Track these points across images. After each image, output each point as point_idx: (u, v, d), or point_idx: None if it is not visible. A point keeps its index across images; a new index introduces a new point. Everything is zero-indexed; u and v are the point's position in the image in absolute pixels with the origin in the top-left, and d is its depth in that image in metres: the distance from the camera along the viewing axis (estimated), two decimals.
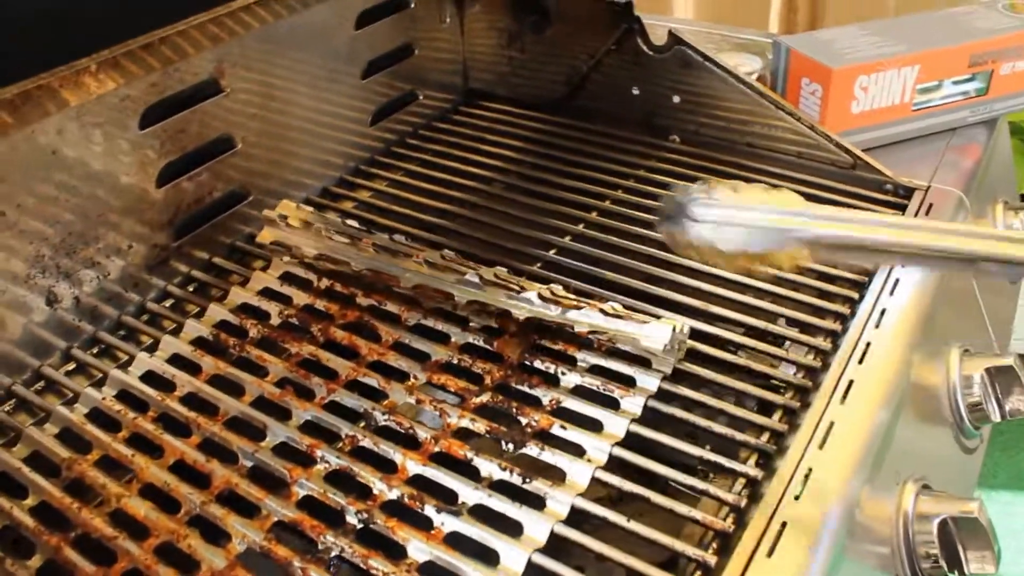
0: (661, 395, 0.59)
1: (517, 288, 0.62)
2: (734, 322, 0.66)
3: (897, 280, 0.67)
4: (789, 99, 0.85)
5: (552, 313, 0.61)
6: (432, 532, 0.50)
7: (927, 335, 0.66)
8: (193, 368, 0.62)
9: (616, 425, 0.56)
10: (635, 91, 0.88)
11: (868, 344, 0.61)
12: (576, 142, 0.88)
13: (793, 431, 0.56)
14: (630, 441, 0.56)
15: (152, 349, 0.65)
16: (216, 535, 0.50)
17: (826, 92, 0.80)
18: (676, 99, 0.86)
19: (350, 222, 0.71)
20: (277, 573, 0.48)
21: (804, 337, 0.64)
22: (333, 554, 0.49)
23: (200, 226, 0.73)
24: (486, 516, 0.51)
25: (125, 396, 0.61)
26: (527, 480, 0.52)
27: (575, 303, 0.61)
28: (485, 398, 0.58)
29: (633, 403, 0.58)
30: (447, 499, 0.52)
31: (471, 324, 0.64)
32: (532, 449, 0.55)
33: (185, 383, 0.61)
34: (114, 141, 0.65)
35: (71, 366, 0.65)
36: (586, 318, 0.60)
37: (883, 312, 0.64)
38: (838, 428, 0.55)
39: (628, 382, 0.59)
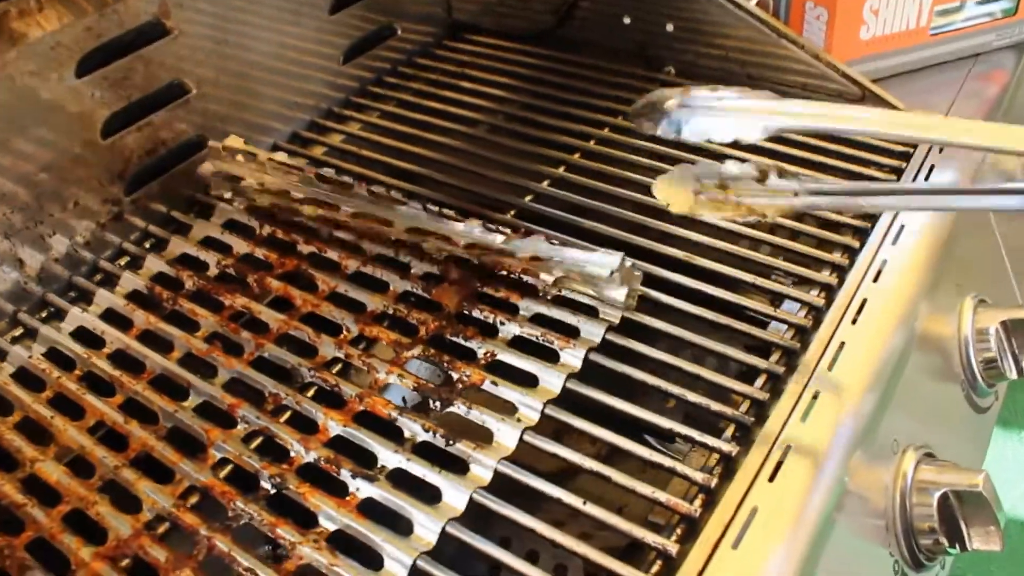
0: (607, 348, 0.54)
1: (461, 219, 0.58)
2: (721, 276, 0.60)
3: (902, 227, 0.62)
4: (793, 25, 0.78)
5: (497, 241, 0.57)
6: (346, 499, 0.48)
7: (935, 286, 0.60)
8: (124, 323, 0.60)
9: (552, 381, 0.52)
10: (626, 20, 0.81)
11: (864, 300, 0.56)
12: (564, 76, 0.82)
13: (776, 399, 0.51)
14: (567, 399, 0.52)
15: (86, 304, 0.62)
16: (128, 502, 0.49)
17: (832, 16, 0.73)
18: (670, 27, 0.79)
19: (297, 159, 0.67)
20: (185, 542, 0.46)
21: (796, 292, 0.58)
22: (242, 522, 0.46)
23: (155, 178, 0.69)
24: (405, 481, 0.48)
25: (53, 354, 0.59)
26: (451, 442, 0.49)
27: (521, 232, 0.57)
28: (416, 351, 0.55)
29: (573, 356, 0.54)
30: (365, 462, 0.49)
31: (412, 271, 0.61)
32: (460, 407, 0.51)
33: (114, 340, 0.59)
34: (49, 92, 0.60)
35: (18, 331, 0.62)
36: (531, 245, 0.55)
37: (884, 263, 0.59)
38: (825, 397, 0.50)
39: (571, 332, 0.55)
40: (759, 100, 0.49)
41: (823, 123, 0.48)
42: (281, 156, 0.66)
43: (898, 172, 0.67)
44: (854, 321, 0.54)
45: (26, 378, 0.57)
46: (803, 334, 0.56)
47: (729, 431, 0.51)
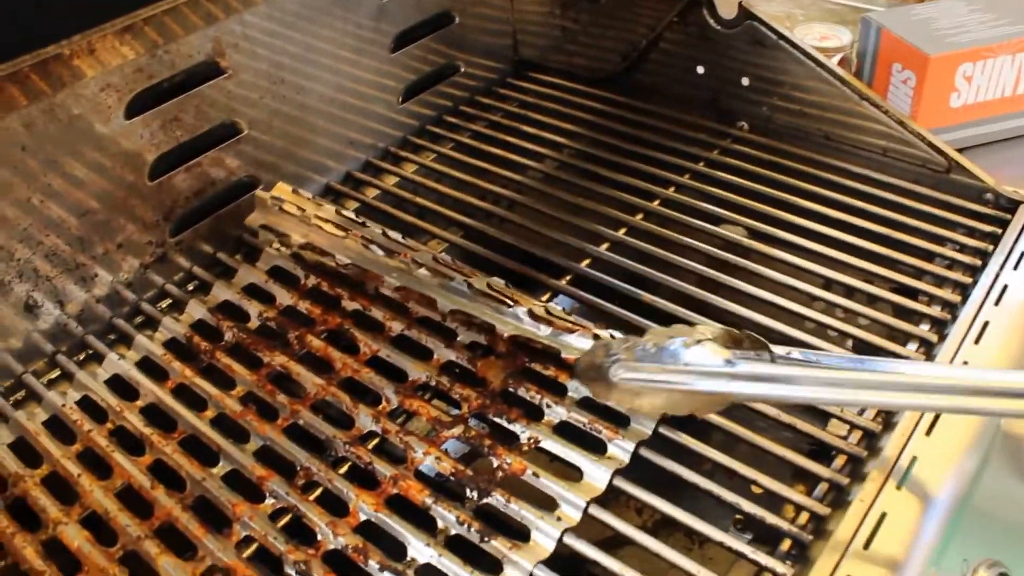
0: (657, 442, 0.51)
1: (509, 302, 0.55)
2: None
3: (986, 324, 0.57)
4: (878, 86, 0.73)
5: (541, 333, 0.54)
6: None
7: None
8: (159, 374, 0.59)
9: (597, 475, 0.49)
10: (700, 70, 0.77)
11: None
12: (630, 125, 0.79)
13: (838, 514, 0.47)
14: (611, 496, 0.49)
15: (125, 348, 0.61)
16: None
17: (920, 82, 0.68)
18: (745, 81, 0.75)
19: (347, 213, 0.65)
20: None
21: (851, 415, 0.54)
22: None
23: (203, 219, 0.67)
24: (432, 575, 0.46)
25: (86, 403, 0.58)
26: (485, 539, 0.46)
27: (569, 325, 0.53)
28: (457, 431, 0.52)
29: (622, 448, 0.50)
30: (395, 553, 0.47)
31: (458, 339, 0.58)
32: (498, 499, 0.48)
33: (148, 392, 0.57)
34: (97, 133, 0.59)
35: (55, 373, 0.60)
36: (578, 343, 0.52)
37: (965, 363, 0.54)
38: (893, 519, 0.46)
39: (621, 421, 0.52)
40: (706, 376, 0.48)
41: (785, 392, 0.47)
42: (329, 210, 0.64)
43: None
44: (928, 432, 0.50)
45: (58, 428, 0.56)
46: (871, 439, 0.52)
47: (785, 546, 0.47)
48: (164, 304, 0.65)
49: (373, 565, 0.46)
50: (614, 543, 0.48)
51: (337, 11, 0.71)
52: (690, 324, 0.58)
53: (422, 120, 0.82)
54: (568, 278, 0.63)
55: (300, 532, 0.48)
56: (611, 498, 0.50)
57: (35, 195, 0.57)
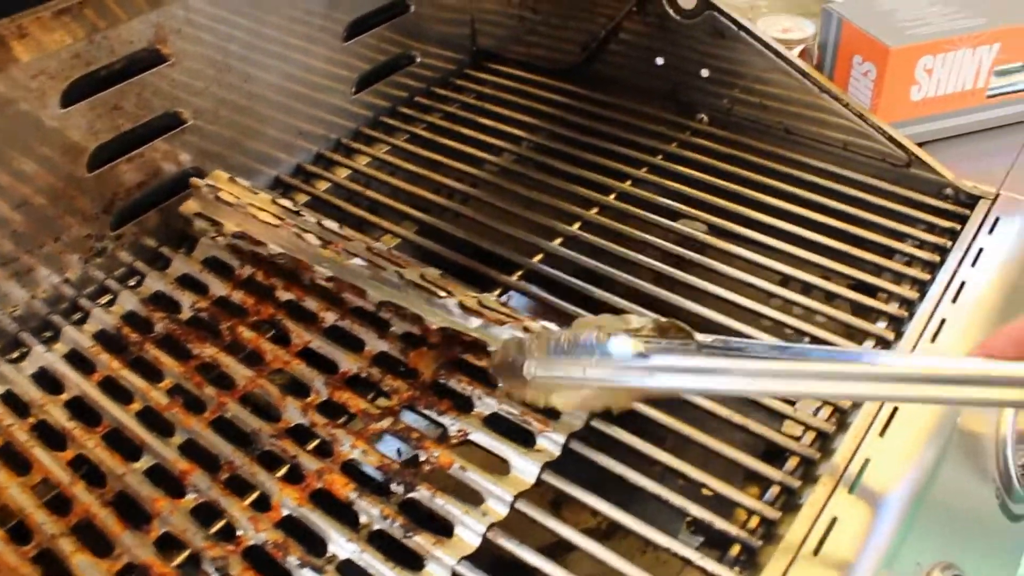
0: (589, 435, 0.50)
1: (441, 293, 0.54)
2: None
3: (943, 321, 0.56)
4: (838, 79, 0.72)
5: (471, 325, 0.53)
6: None
7: None
8: (87, 367, 0.57)
9: (526, 468, 0.48)
10: (659, 61, 0.76)
11: (895, 408, 0.50)
12: (589, 117, 0.77)
13: (788, 518, 0.46)
14: (540, 491, 0.48)
15: (51, 341, 0.59)
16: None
17: (881, 74, 0.67)
18: (705, 72, 0.74)
19: (283, 202, 0.63)
20: None
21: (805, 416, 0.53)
22: None
23: (145, 212, 0.65)
24: (355, 575, 0.45)
25: (9, 398, 0.56)
26: (408, 534, 0.45)
27: (499, 317, 0.52)
28: (385, 424, 0.51)
29: (552, 441, 0.49)
30: (316, 549, 0.45)
31: (391, 329, 0.57)
32: (423, 493, 0.47)
33: (73, 385, 0.56)
34: (31, 121, 0.56)
35: None
36: (508, 336, 0.51)
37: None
38: (844, 523, 0.45)
39: (552, 413, 0.50)
40: (620, 370, 0.46)
41: (705, 384, 0.46)
42: (264, 199, 0.62)
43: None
44: (882, 432, 0.49)
45: None
46: (824, 441, 0.50)
47: (734, 551, 0.46)
48: (103, 300, 0.63)
49: (292, 561, 0.45)
50: (565, 547, 0.47)
51: None
52: (619, 313, 0.57)
53: (376, 111, 0.80)
54: (519, 273, 0.62)
55: (220, 528, 0.47)
56: (565, 500, 0.48)
57: None
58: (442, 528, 0.46)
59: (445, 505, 0.47)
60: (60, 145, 0.58)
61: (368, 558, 0.45)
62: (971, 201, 0.65)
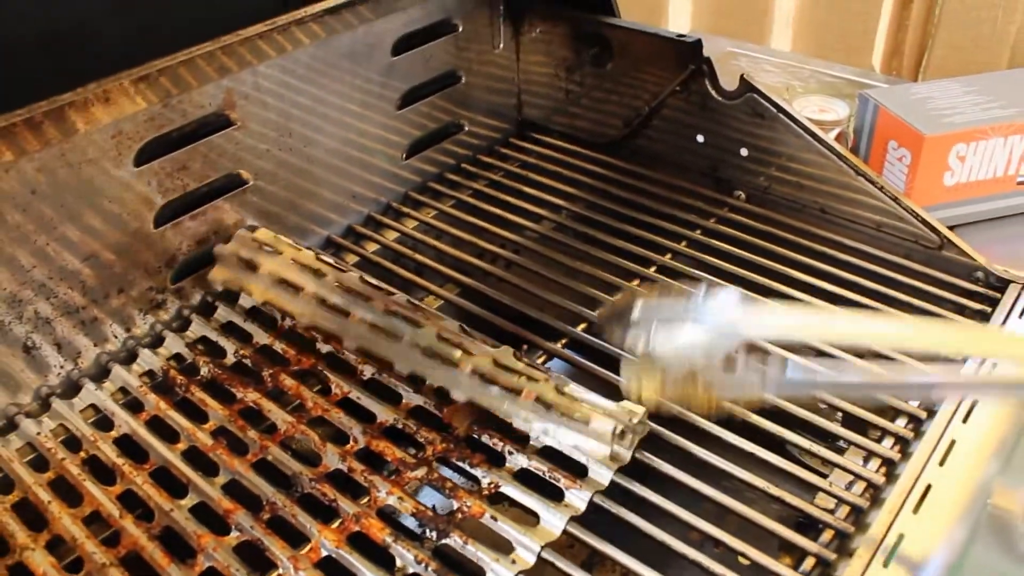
0: (627, 498, 0.52)
1: (457, 357, 0.57)
2: (767, 434, 0.57)
3: (974, 402, 0.57)
4: (873, 162, 0.75)
5: (491, 394, 0.55)
6: None
7: (1010, 460, 0.56)
8: (135, 406, 0.60)
9: (553, 521, 0.50)
10: (700, 139, 0.79)
11: (928, 486, 0.52)
12: (630, 190, 0.80)
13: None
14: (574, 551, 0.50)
15: (100, 379, 0.62)
16: None
17: (915, 160, 0.70)
18: (744, 151, 0.76)
19: (325, 258, 0.65)
20: None
21: (851, 463, 0.54)
22: None
23: (203, 267, 0.68)
24: None
25: (62, 432, 0.58)
26: None
27: (514, 383, 0.54)
28: (420, 473, 0.53)
29: (578, 497, 0.51)
30: None
31: (427, 383, 0.59)
32: (456, 540, 0.49)
33: (123, 423, 0.58)
34: (106, 179, 0.60)
35: (33, 405, 0.60)
36: (528, 410, 0.54)
37: (952, 444, 0.55)
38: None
39: (579, 471, 0.52)
40: (727, 311, 0.48)
41: (805, 333, 0.48)
42: (308, 255, 0.65)
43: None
44: (916, 509, 0.51)
45: (32, 455, 0.57)
46: (859, 515, 0.52)
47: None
48: (159, 349, 0.65)
49: None
50: None
51: (347, 66, 0.72)
52: None
53: (424, 176, 0.83)
54: (563, 341, 0.64)
55: (262, 565, 0.49)
56: (598, 560, 0.50)
57: (42, 238, 0.57)
58: (473, 575, 0.48)
59: (476, 552, 0.48)
60: (131, 202, 0.61)
61: None
62: (1002, 285, 0.67)
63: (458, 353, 0.57)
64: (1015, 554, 0.59)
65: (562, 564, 0.49)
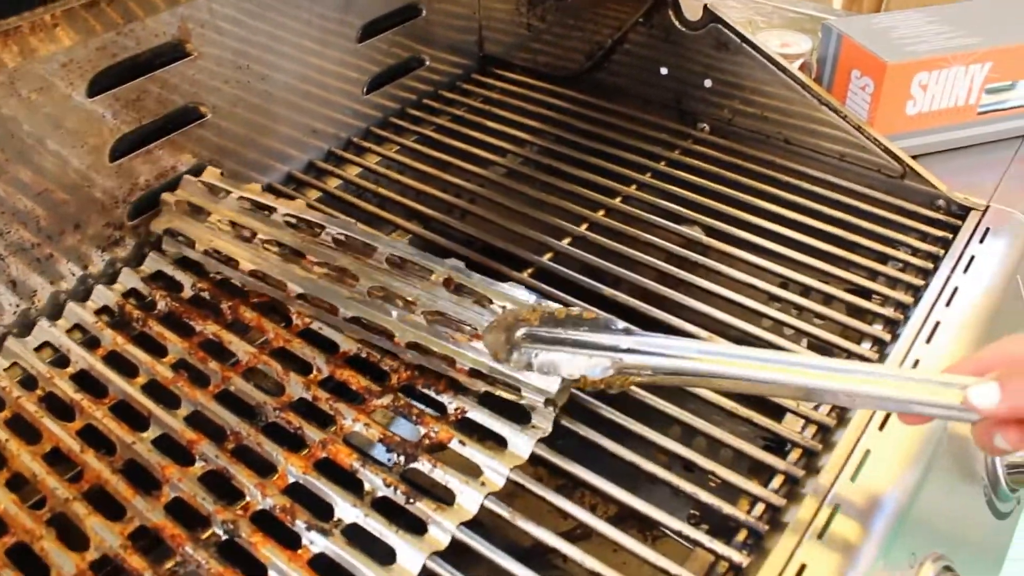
0: (598, 421, 0.52)
1: (409, 300, 0.56)
2: None
3: (937, 323, 0.58)
4: (836, 92, 0.75)
5: (437, 341, 0.54)
6: (298, 552, 0.45)
7: None
8: (92, 342, 0.59)
9: (520, 444, 0.50)
10: (663, 70, 0.78)
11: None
12: (593, 124, 0.79)
13: (793, 505, 0.48)
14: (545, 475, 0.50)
15: (55, 316, 0.61)
16: (76, 538, 0.47)
17: (878, 88, 0.70)
18: (708, 83, 0.76)
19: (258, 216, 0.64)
20: None
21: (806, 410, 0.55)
22: (189, 568, 0.45)
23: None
24: (360, 538, 0.46)
25: (15, 370, 0.57)
26: (411, 500, 0.47)
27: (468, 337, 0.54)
28: (386, 400, 0.53)
29: (544, 418, 0.51)
30: (322, 514, 0.47)
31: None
32: (424, 464, 0.49)
33: (79, 359, 0.57)
34: (57, 110, 0.58)
35: None
36: (473, 355, 0.53)
37: (917, 362, 0.56)
38: (846, 511, 0.47)
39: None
40: (607, 335, 0.51)
41: (683, 364, 0.48)
42: (244, 203, 0.64)
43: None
44: (882, 427, 0.51)
45: None
46: (826, 433, 0.52)
47: (741, 536, 0.48)
48: (114, 285, 0.64)
49: (300, 524, 0.46)
50: (570, 537, 0.48)
51: (304, 1, 0.71)
52: (653, 321, 0.59)
53: (386, 112, 0.82)
54: (530, 271, 0.64)
55: (229, 493, 0.49)
56: (568, 489, 0.50)
57: None
58: (442, 498, 0.48)
59: (445, 475, 0.48)
60: (85, 134, 0.60)
61: (372, 523, 0.46)
62: (962, 212, 0.68)
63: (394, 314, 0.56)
64: (974, 475, 0.60)
65: (534, 487, 0.49)
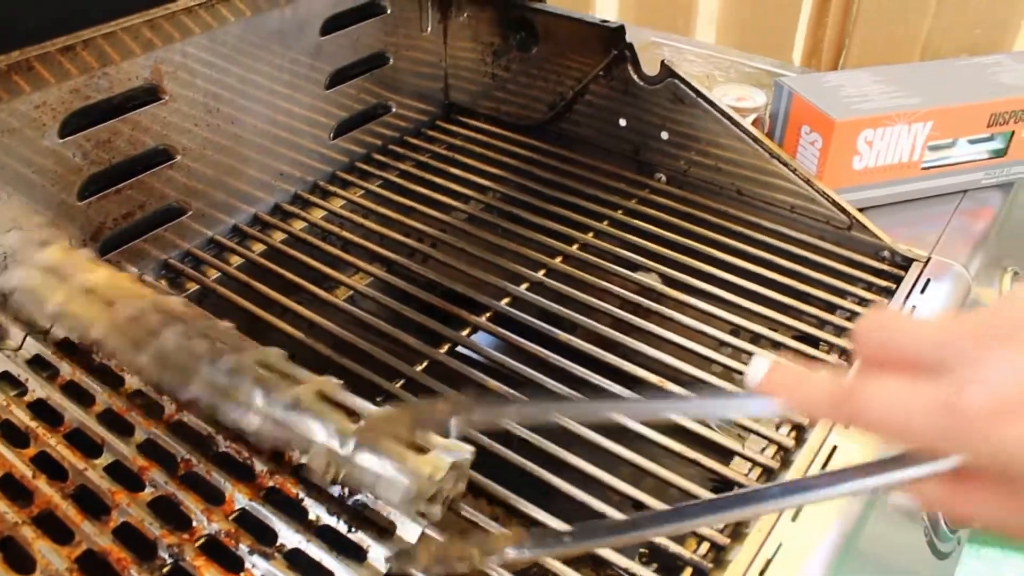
0: (545, 459, 0.53)
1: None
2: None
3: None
4: (787, 146, 0.78)
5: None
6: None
7: None
8: (50, 371, 0.59)
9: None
10: (622, 122, 0.81)
11: (835, 447, 0.55)
12: (554, 172, 0.82)
13: (737, 544, 0.49)
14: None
15: (15, 348, 0.61)
16: (22, 562, 0.47)
17: (826, 144, 0.73)
18: (665, 135, 0.79)
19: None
20: None
21: (766, 429, 0.57)
22: None
23: (129, 241, 0.68)
24: (302, 563, 0.47)
25: None
26: (352, 529, 0.48)
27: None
28: None
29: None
30: (267, 540, 0.48)
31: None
32: (368, 497, 0.49)
33: (36, 387, 0.57)
34: (29, 150, 0.59)
35: None
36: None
37: None
38: (786, 548, 0.49)
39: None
40: None
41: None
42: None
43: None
44: (823, 467, 0.53)
45: None
46: (770, 476, 0.54)
47: (686, 574, 0.49)
48: None
49: (244, 548, 0.47)
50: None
51: (275, 46, 0.73)
52: (609, 367, 0.61)
53: (352, 157, 0.84)
54: (488, 315, 0.66)
55: (176, 519, 0.49)
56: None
57: None
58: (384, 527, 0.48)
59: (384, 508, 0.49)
60: (56, 173, 0.61)
61: (313, 548, 0.47)
62: (905, 263, 0.71)
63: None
64: (914, 517, 0.63)
65: (493, 530, 0.50)
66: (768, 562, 0.48)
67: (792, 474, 0.53)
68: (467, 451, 0.47)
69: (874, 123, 0.72)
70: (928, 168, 0.76)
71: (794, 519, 0.50)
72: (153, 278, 0.68)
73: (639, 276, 0.70)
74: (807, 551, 0.49)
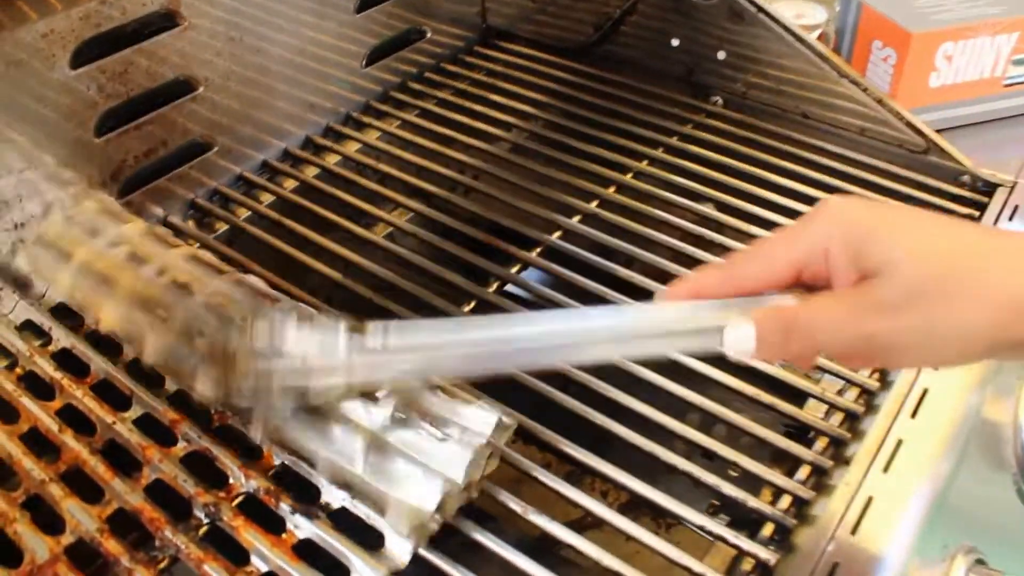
0: (632, 419, 0.49)
1: None
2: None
3: None
4: (856, 64, 0.72)
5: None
6: (282, 537, 0.43)
7: (1000, 368, 0.54)
8: (75, 319, 0.55)
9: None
10: (674, 42, 0.75)
11: (925, 390, 0.50)
12: (602, 97, 0.76)
13: (822, 498, 0.45)
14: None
15: (39, 296, 0.57)
16: (51, 521, 0.44)
17: (901, 60, 0.67)
18: (721, 55, 0.73)
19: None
20: (105, 572, 0.42)
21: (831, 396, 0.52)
22: (168, 553, 0.42)
23: (152, 180, 0.63)
24: (346, 521, 0.43)
25: None
26: None
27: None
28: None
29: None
30: (309, 496, 0.44)
31: None
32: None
33: (60, 336, 0.54)
34: (39, 84, 0.55)
35: None
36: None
37: None
38: (880, 502, 0.44)
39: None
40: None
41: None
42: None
43: None
44: (913, 414, 0.49)
45: None
46: (854, 421, 0.50)
47: (767, 531, 0.45)
48: None
49: (285, 508, 0.44)
50: (580, 526, 0.46)
51: None
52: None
53: (386, 86, 0.79)
54: (538, 250, 0.61)
55: (212, 475, 0.46)
56: (577, 479, 0.48)
57: None
58: None
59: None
60: (69, 108, 0.57)
61: (360, 505, 0.43)
62: (989, 189, 0.65)
63: None
64: (1004, 464, 0.58)
65: (541, 475, 0.46)
66: (859, 519, 0.43)
67: (880, 420, 0.48)
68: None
69: (955, 35, 0.66)
70: (1011, 84, 0.70)
71: (886, 469, 0.46)
72: (180, 219, 0.64)
73: (698, 206, 0.65)
74: (898, 506, 0.45)
